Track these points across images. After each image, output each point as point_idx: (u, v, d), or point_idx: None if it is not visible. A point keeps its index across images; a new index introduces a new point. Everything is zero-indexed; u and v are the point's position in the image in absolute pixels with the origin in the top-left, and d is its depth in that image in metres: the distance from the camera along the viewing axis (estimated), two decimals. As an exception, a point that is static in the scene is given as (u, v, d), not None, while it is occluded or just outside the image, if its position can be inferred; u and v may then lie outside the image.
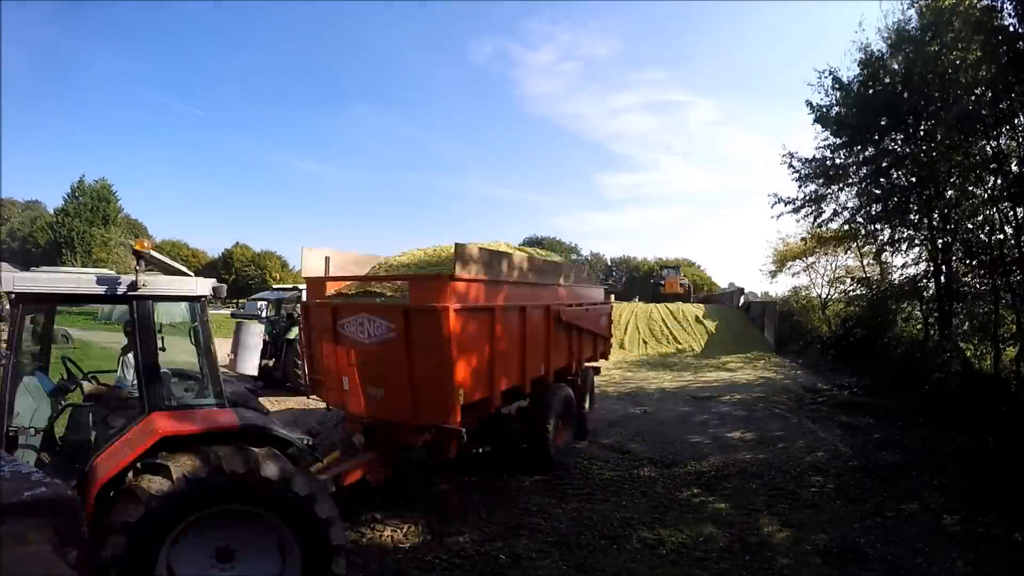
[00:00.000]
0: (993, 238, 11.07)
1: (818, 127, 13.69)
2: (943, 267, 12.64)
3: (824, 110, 13.40)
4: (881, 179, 13.28)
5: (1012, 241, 10.56)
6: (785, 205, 14.93)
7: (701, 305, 27.52)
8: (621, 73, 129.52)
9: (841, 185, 14.42)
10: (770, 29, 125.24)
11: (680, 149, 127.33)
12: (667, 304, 26.60)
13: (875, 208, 13.62)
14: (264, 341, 11.86)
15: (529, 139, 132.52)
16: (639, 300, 31.98)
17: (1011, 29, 9.07)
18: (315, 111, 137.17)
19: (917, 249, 13.76)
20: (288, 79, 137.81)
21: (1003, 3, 9.26)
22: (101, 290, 3.36)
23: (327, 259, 6.11)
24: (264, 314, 13.01)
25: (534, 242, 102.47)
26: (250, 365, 11.18)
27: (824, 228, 16.65)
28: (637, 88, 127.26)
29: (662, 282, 33.22)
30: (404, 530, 5.09)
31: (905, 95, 11.67)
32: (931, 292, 13.28)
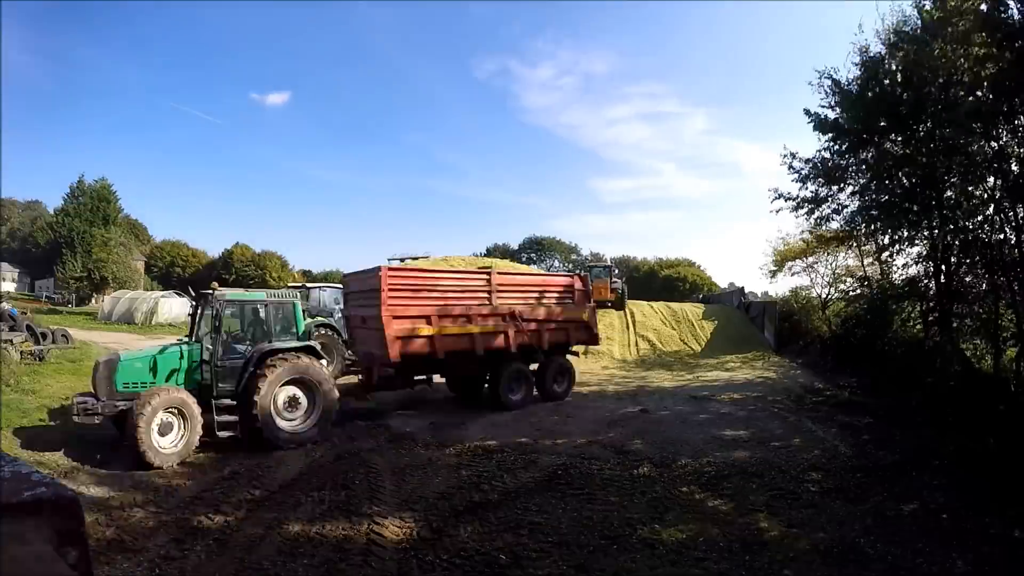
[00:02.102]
0: (993, 238, 11.07)
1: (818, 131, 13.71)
2: (943, 267, 12.64)
3: (823, 117, 13.41)
4: (881, 181, 13.29)
5: (1012, 240, 10.56)
6: (785, 201, 14.95)
7: (701, 305, 27.52)
8: (617, 87, 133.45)
9: (841, 185, 14.44)
10: (764, 42, 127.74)
11: (675, 156, 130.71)
12: (668, 303, 26.57)
13: (875, 209, 13.64)
14: None
15: (528, 147, 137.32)
16: None
17: (1018, 25, 9.05)
18: (325, 119, 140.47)
19: (917, 249, 13.78)
20: (299, 89, 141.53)
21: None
22: None
23: None
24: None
25: (534, 242, 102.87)
26: None
27: (824, 228, 16.67)
28: (632, 100, 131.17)
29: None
30: (405, 529, 5.10)
31: (904, 96, 11.67)
32: (931, 292, 13.28)
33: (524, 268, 13.72)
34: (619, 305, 24.05)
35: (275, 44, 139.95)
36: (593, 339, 12.37)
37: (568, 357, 12.15)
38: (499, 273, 11.50)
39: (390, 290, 9.34)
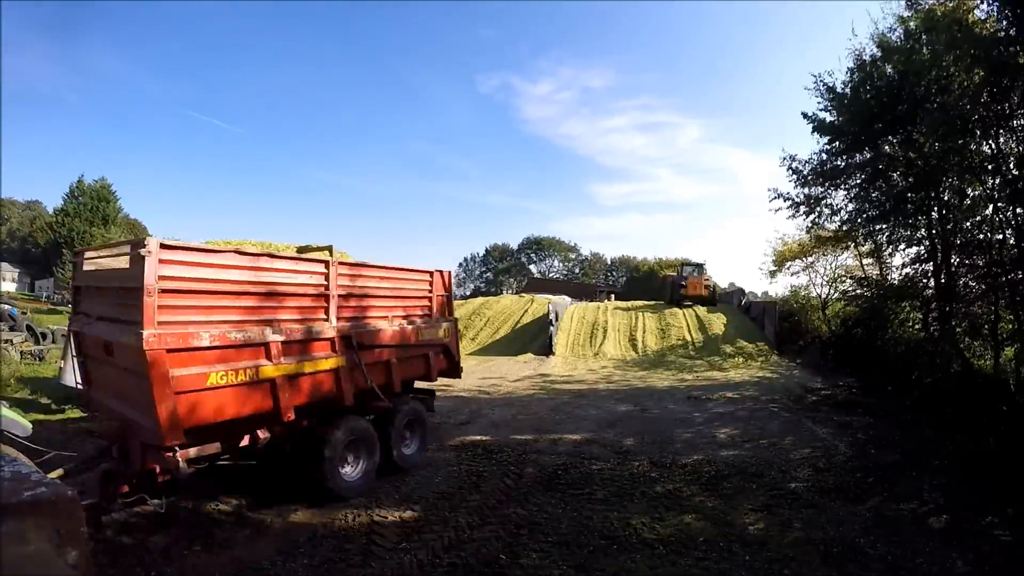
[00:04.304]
0: (992, 238, 11.07)
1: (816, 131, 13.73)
2: (942, 267, 12.65)
3: (821, 119, 13.43)
4: (878, 182, 13.31)
5: (1011, 241, 10.56)
6: (784, 201, 14.99)
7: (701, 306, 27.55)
8: (613, 100, 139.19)
9: (839, 186, 14.46)
10: (755, 56, 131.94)
11: (670, 162, 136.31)
12: (674, 306, 26.68)
13: (873, 210, 13.66)
14: None
15: (528, 154, 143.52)
16: (660, 302, 29.33)
17: (999, 34, 9.11)
18: (333, 126, 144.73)
19: (915, 249, 13.79)
20: (310, 98, 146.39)
21: (991, 8, 9.34)
22: None
23: None
24: None
25: (533, 242, 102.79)
26: None
27: (823, 228, 16.70)
28: (627, 112, 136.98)
29: (683, 282, 28.83)
30: (404, 529, 5.10)
31: (900, 97, 11.70)
32: (930, 292, 13.29)
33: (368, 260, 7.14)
34: (712, 301, 27.69)
35: (289, 56, 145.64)
36: (455, 369, 8.01)
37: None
38: (342, 265, 6.07)
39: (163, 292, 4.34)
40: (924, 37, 11.04)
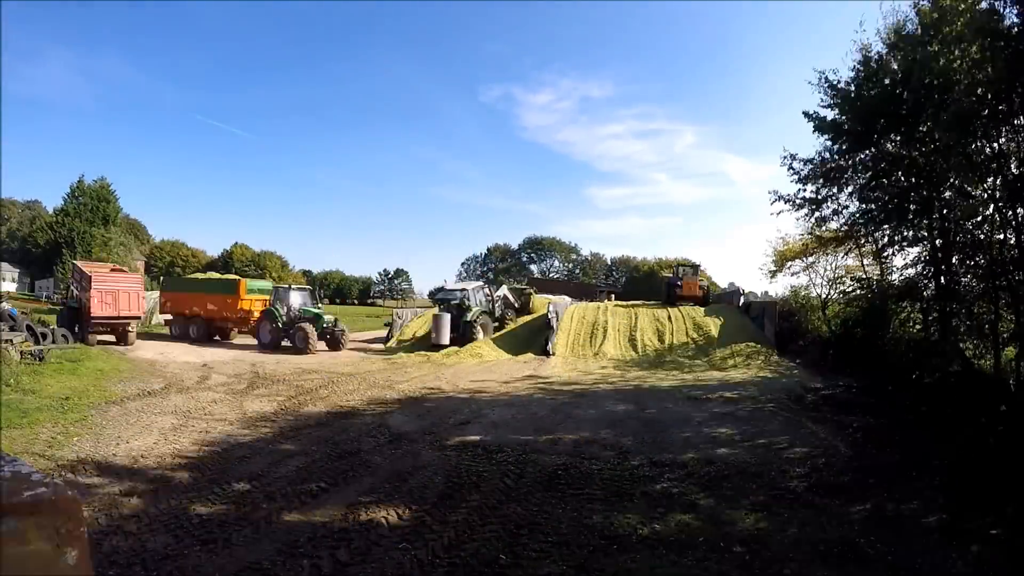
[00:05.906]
0: (993, 237, 11.07)
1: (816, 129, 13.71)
2: (942, 267, 12.64)
3: (823, 118, 13.41)
4: (880, 181, 13.30)
5: (1012, 241, 10.56)
6: (785, 203, 14.98)
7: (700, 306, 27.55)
8: (612, 109, 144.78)
9: (841, 186, 14.45)
10: (751, 67, 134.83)
11: (667, 166, 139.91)
12: (669, 305, 26.61)
13: (874, 210, 13.65)
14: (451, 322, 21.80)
15: (527, 159, 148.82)
16: (656, 301, 29.67)
17: (1014, 30, 9.05)
18: (338, 131, 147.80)
19: (916, 249, 13.78)
20: (317, 105, 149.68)
21: (1005, 3, 9.27)
22: None
23: None
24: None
25: (533, 243, 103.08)
26: (444, 338, 21.25)
27: (824, 228, 16.68)
28: (625, 120, 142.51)
29: (679, 283, 29.10)
30: (404, 529, 5.10)
31: (904, 95, 11.67)
32: (931, 292, 13.28)
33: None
34: (705, 301, 27.89)
35: (298, 64, 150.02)
36: None
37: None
38: None
39: None
40: (933, 30, 10.97)
